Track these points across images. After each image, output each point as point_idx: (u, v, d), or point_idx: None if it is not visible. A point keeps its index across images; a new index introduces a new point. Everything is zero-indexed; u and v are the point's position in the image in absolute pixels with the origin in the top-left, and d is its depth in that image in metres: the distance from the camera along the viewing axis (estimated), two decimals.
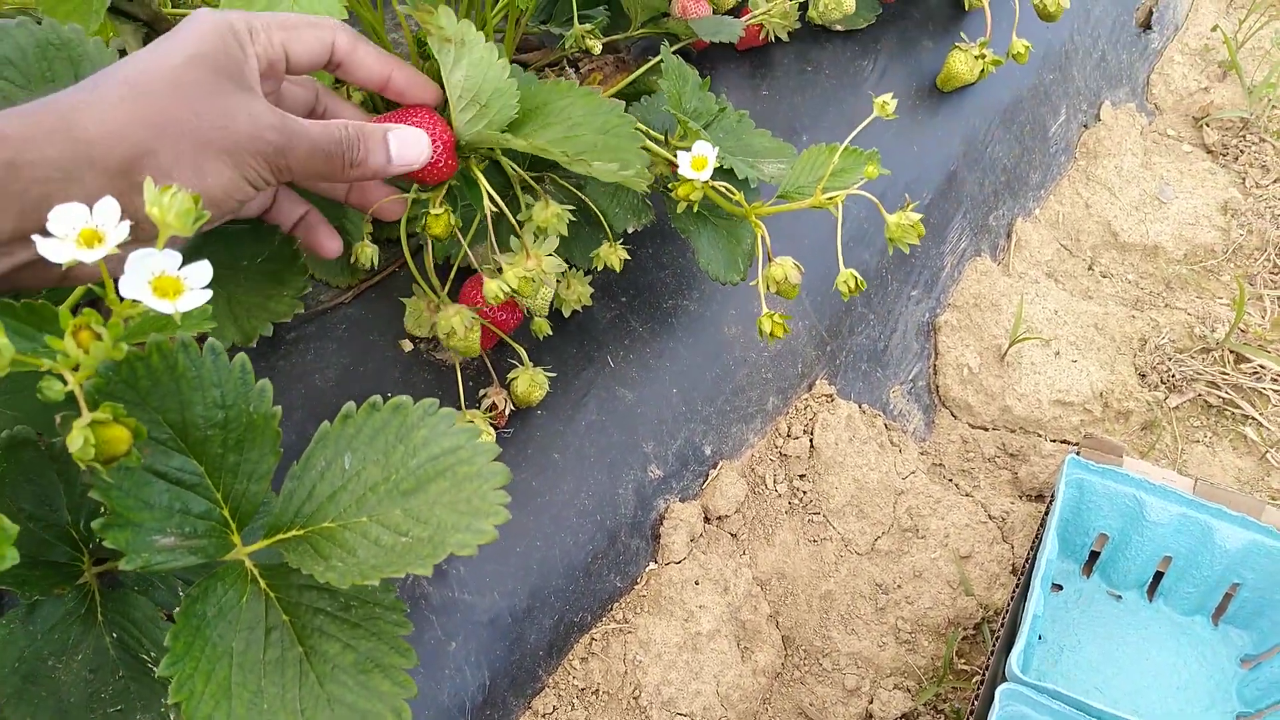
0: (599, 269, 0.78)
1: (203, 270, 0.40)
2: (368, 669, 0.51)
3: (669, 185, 0.77)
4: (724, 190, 0.74)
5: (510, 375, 0.76)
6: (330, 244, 0.67)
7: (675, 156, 0.71)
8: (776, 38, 1.00)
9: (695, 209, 0.77)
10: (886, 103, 0.72)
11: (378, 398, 0.53)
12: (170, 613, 0.64)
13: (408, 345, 0.81)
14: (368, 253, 0.72)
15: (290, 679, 0.50)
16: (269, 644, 0.51)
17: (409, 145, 0.60)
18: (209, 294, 0.40)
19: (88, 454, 0.40)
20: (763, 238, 0.73)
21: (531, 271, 0.67)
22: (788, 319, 0.72)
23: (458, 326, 0.70)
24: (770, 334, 0.71)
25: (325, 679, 0.50)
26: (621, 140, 0.66)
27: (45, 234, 0.38)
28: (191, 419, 0.50)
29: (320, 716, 0.49)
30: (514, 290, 0.66)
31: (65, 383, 0.40)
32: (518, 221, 0.70)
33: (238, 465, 0.53)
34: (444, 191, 0.66)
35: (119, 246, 0.38)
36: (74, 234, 0.38)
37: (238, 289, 0.66)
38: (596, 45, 0.91)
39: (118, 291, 0.38)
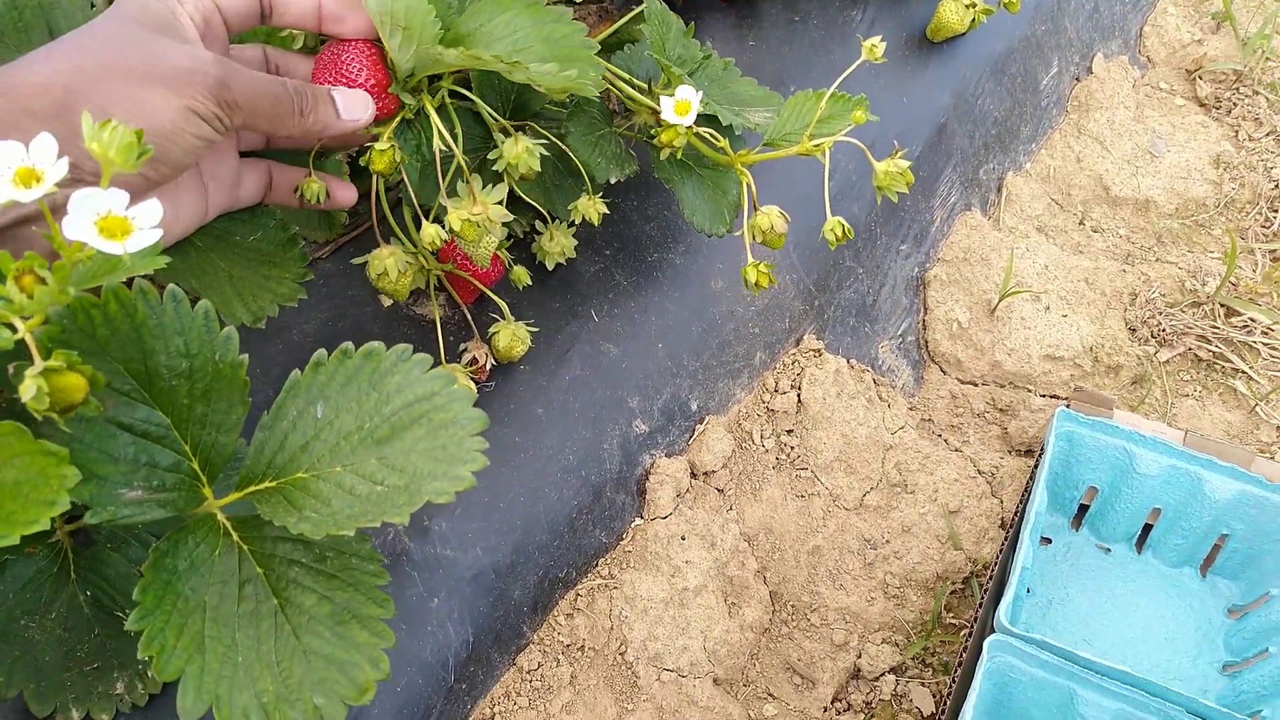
0: (577, 222, 0.76)
1: (151, 209, 0.39)
2: (344, 620, 0.50)
3: (652, 134, 0.75)
4: (708, 137, 0.72)
5: (491, 329, 0.75)
6: (344, 193, 0.66)
7: (659, 104, 0.69)
8: None
9: (679, 157, 0.76)
10: (875, 46, 0.70)
11: (349, 344, 0.52)
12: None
13: (387, 300, 0.79)
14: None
15: (265, 631, 0.49)
16: (243, 597, 0.50)
17: (356, 102, 0.60)
18: (159, 233, 0.38)
19: (42, 403, 0.38)
20: (748, 186, 0.71)
21: (476, 216, 0.65)
22: (772, 268, 0.70)
23: (390, 268, 0.68)
24: (755, 284, 0.69)
25: (301, 630, 0.49)
26: (572, 49, 0.64)
27: None
28: (155, 368, 0.49)
29: (296, 668, 0.48)
30: (456, 233, 0.64)
31: (15, 330, 0.38)
32: (489, 161, 0.68)
33: (205, 416, 0.51)
34: (392, 126, 0.64)
35: (58, 186, 0.37)
36: (9, 173, 0.36)
37: (234, 267, 0.64)
38: None
39: (63, 234, 0.37)
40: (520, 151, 0.66)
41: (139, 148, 0.38)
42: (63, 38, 0.50)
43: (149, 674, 0.61)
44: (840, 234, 0.68)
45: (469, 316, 0.76)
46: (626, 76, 0.77)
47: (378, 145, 0.62)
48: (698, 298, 0.87)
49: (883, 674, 0.85)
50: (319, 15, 0.59)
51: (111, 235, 0.37)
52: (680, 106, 0.67)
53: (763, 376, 0.92)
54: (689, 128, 0.69)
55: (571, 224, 0.78)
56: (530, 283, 0.76)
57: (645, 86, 0.77)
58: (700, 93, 0.68)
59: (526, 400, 0.77)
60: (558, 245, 0.77)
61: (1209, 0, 1.37)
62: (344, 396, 0.52)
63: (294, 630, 0.49)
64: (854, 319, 0.99)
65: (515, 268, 0.76)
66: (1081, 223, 1.19)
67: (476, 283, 0.73)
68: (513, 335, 0.74)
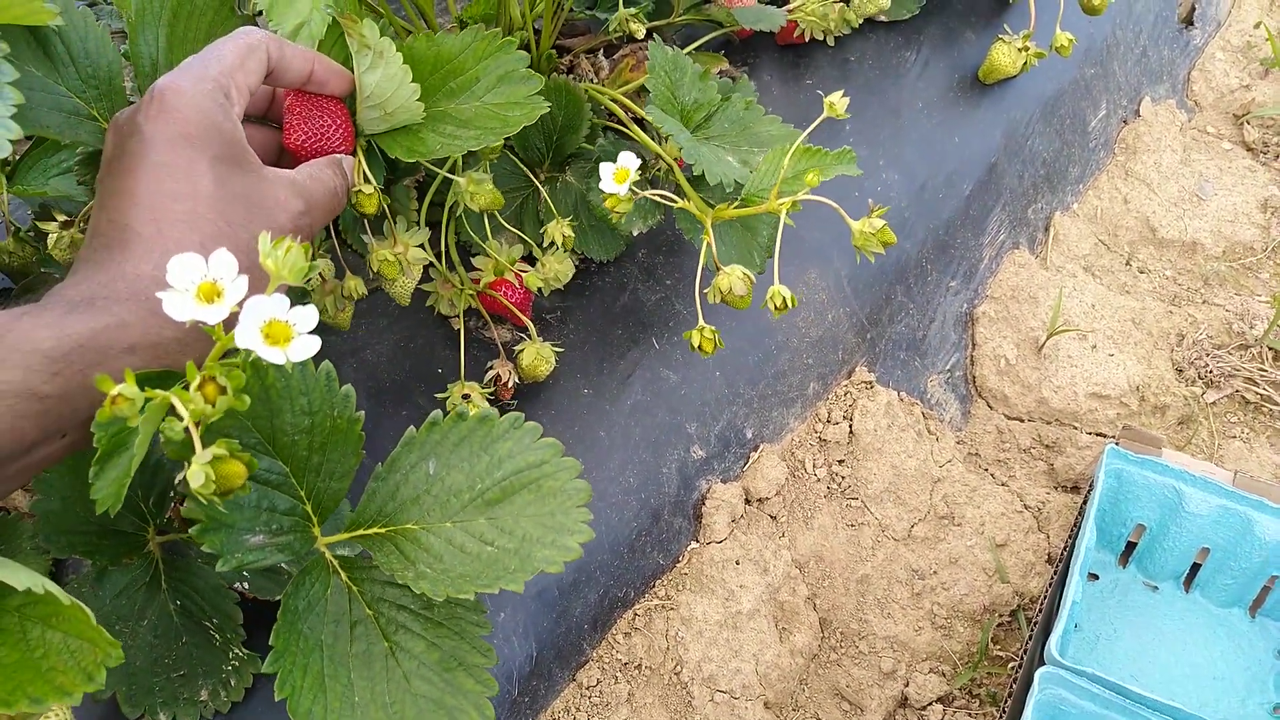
0: (557, 242, 0.78)
1: (309, 314, 0.40)
2: (451, 667, 0.52)
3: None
4: (660, 200, 0.71)
5: (517, 348, 0.77)
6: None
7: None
8: (812, 37, 1.00)
9: (620, 221, 0.77)
10: (835, 104, 0.66)
11: (465, 408, 0.54)
12: (233, 585, 0.65)
13: (457, 323, 0.82)
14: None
15: (378, 673, 0.51)
16: (354, 637, 0.52)
17: (350, 167, 0.62)
18: (317, 341, 0.40)
19: (208, 489, 0.40)
20: (709, 245, 0.68)
21: (396, 256, 0.69)
22: (718, 333, 0.68)
23: (329, 304, 0.72)
24: (700, 347, 0.67)
25: (411, 675, 0.51)
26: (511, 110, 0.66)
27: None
28: (280, 425, 0.52)
29: (408, 711, 0.50)
30: (377, 271, 0.68)
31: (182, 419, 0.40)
32: (528, 203, 0.71)
33: (321, 465, 0.54)
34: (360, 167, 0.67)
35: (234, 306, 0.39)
36: (192, 289, 0.38)
37: None
38: (640, 29, 0.92)
39: (236, 341, 0.39)
40: (482, 192, 0.69)
41: (307, 265, 0.41)
42: (155, 204, 0.49)
43: (232, 682, 0.64)
44: (780, 303, 0.64)
45: (497, 338, 0.79)
46: (647, 119, 0.79)
47: (365, 189, 0.64)
48: (754, 328, 0.89)
49: (930, 703, 0.86)
50: (310, 76, 0.59)
51: (275, 342, 0.39)
52: (618, 175, 0.66)
53: (816, 407, 0.94)
54: (627, 196, 0.68)
55: (610, 261, 0.81)
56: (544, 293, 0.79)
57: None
58: (639, 160, 0.67)
59: (590, 423, 0.80)
60: (550, 270, 0.79)
61: (1257, 46, 1.38)
62: (456, 456, 0.54)
63: (404, 675, 0.51)
64: (904, 353, 1.01)
65: (528, 274, 0.78)
66: (1128, 263, 1.21)
67: (511, 306, 0.76)
68: (536, 354, 0.76)
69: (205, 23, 0.65)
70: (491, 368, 0.77)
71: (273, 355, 0.39)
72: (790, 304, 0.64)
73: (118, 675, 0.62)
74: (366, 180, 0.64)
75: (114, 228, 0.49)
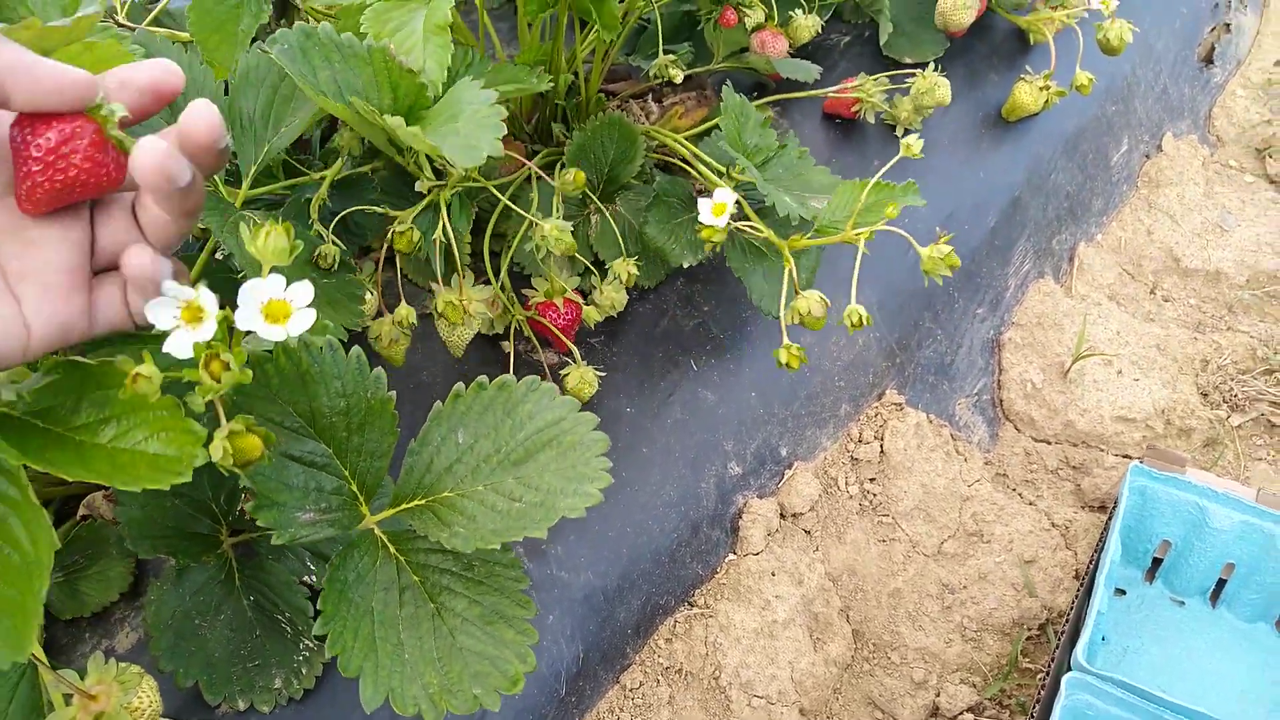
0: (623, 277, 0.84)
1: (305, 289, 0.43)
2: (493, 620, 0.57)
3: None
4: (749, 230, 0.78)
5: (563, 371, 0.82)
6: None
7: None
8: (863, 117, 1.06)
9: (749, 247, 0.83)
10: (911, 144, 0.74)
11: (484, 377, 0.59)
12: (302, 579, 0.71)
13: (508, 346, 0.88)
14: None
15: (425, 632, 0.56)
16: (403, 602, 0.57)
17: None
18: (313, 313, 0.43)
19: (226, 461, 0.45)
20: (789, 271, 0.75)
21: (461, 302, 0.76)
22: (804, 350, 0.74)
23: (384, 334, 0.77)
24: (786, 364, 0.74)
25: (456, 631, 0.56)
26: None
27: None
28: (318, 408, 0.57)
29: (455, 664, 0.55)
30: (439, 313, 0.74)
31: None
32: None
33: (361, 445, 0.59)
34: (415, 211, 0.73)
35: None
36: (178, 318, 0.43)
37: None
38: (678, 74, 0.98)
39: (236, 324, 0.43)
40: (551, 232, 0.75)
41: (291, 246, 0.45)
42: None
43: (304, 671, 0.69)
44: (857, 320, 0.71)
45: (543, 362, 0.84)
46: (708, 160, 0.85)
47: (398, 226, 0.70)
48: None
49: (961, 713, 0.89)
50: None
51: (275, 320, 0.42)
52: (717, 208, 0.72)
53: (848, 427, 0.98)
54: (725, 227, 0.74)
55: (654, 288, 0.86)
56: (599, 319, 0.85)
57: (724, 170, 0.85)
58: (736, 194, 0.74)
59: (633, 441, 0.85)
60: (608, 299, 0.85)
61: (1277, 83, 1.42)
62: (482, 423, 0.59)
63: (450, 631, 0.56)
64: (933, 377, 1.05)
65: (588, 309, 0.84)
66: (1153, 292, 1.24)
67: (555, 330, 0.81)
68: (580, 378, 0.82)
69: None
70: None
71: (274, 333, 0.42)
72: (866, 321, 0.71)
73: (199, 666, 0.67)
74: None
75: None
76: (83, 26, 0.47)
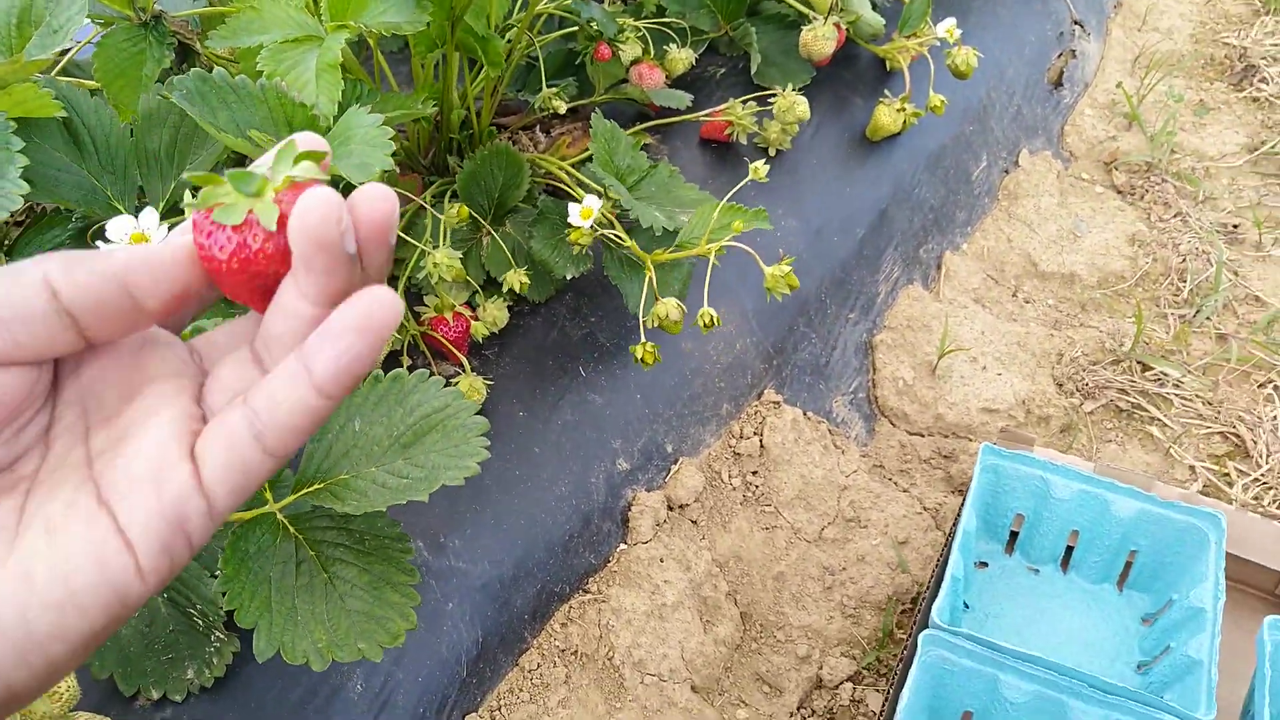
0: (512, 290, 0.92)
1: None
2: (379, 586, 0.63)
3: (606, 236, 0.91)
4: (614, 238, 0.87)
5: (454, 380, 0.89)
6: None
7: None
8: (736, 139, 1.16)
9: (625, 261, 0.91)
10: (758, 169, 0.86)
11: (379, 370, 0.66)
12: (214, 573, 0.76)
13: (406, 361, 0.94)
14: None
15: (319, 598, 0.62)
16: (299, 573, 0.63)
17: None
18: None
19: None
20: (649, 279, 0.85)
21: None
22: (656, 348, 0.84)
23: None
24: (641, 360, 0.83)
25: (346, 596, 0.62)
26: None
27: None
28: None
29: (343, 623, 0.61)
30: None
31: None
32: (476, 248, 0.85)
33: None
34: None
35: None
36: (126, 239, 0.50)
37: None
38: (561, 105, 1.07)
39: None
40: (441, 259, 0.82)
41: None
42: None
43: (214, 661, 0.74)
44: (709, 321, 0.81)
45: (467, 368, 0.91)
46: (587, 181, 0.94)
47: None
48: (670, 356, 1.02)
49: (841, 682, 0.97)
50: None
51: None
52: (584, 212, 0.82)
53: (729, 424, 1.06)
54: (590, 230, 0.84)
55: (545, 302, 0.94)
56: (487, 334, 0.92)
57: (601, 191, 0.94)
58: (602, 201, 0.84)
59: (526, 442, 0.91)
60: (490, 316, 0.92)
61: (1120, 103, 1.56)
62: (376, 412, 0.65)
63: (340, 596, 0.62)
64: (809, 377, 1.14)
65: (475, 325, 0.91)
66: (1015, 294, 1.35)
67: (447, 343, 0.88)
68: (469, 385, 0.88)
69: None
70: None
71: None
72: (716, 323, 0.81)
73: (115, 658, 0.72)
74: None
75: None
76: (29, 69, 0.53)
